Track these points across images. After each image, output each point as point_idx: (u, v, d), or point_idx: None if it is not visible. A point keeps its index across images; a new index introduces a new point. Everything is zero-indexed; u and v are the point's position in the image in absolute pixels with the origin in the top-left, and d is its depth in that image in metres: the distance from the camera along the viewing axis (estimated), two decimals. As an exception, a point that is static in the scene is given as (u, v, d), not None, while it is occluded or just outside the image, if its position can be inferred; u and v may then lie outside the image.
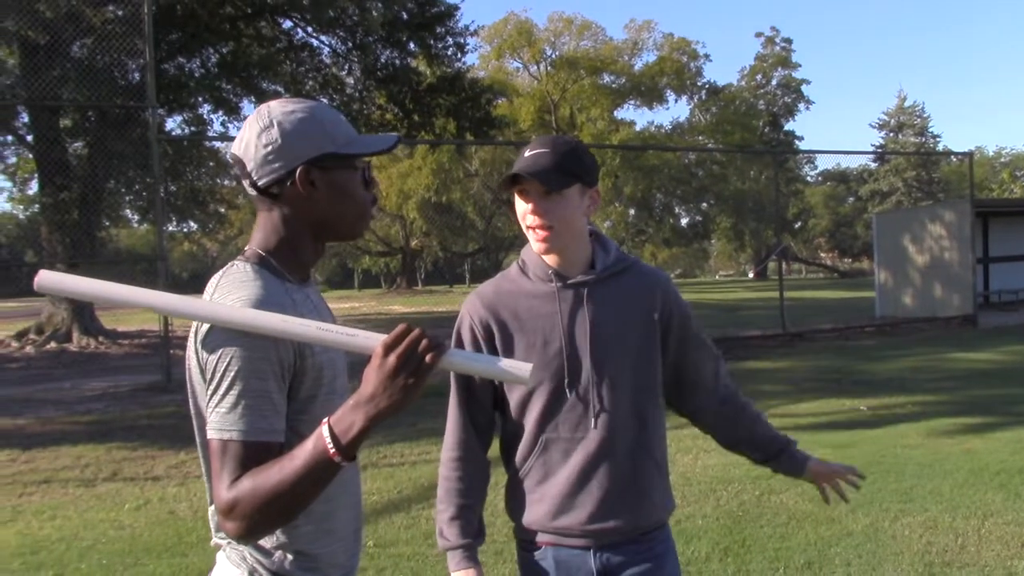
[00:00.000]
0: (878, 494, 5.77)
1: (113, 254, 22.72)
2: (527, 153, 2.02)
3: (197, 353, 1.50)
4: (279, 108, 1.59)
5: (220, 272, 1.57)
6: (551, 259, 2.07)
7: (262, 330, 1.42)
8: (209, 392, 1.46)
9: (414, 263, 63.81)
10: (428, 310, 32.74)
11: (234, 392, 1.43)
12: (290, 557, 1.57)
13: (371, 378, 1.35)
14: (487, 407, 2.15)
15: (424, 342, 1.35)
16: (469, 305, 2.13)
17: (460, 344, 2.12)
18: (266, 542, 1.56)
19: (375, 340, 1.39)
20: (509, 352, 2.06)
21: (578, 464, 2.03)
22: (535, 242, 2.03)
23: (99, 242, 19.47)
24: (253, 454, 1.42)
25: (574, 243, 2.05)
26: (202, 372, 1.49)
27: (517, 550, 2.20)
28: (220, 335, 1.44)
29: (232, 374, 1.43)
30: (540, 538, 2.10)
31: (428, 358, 1.35)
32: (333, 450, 1.35)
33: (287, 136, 1.55)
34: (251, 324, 1.42)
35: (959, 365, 12.32)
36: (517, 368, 1.43)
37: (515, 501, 2.15)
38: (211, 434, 1.45)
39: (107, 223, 21.66)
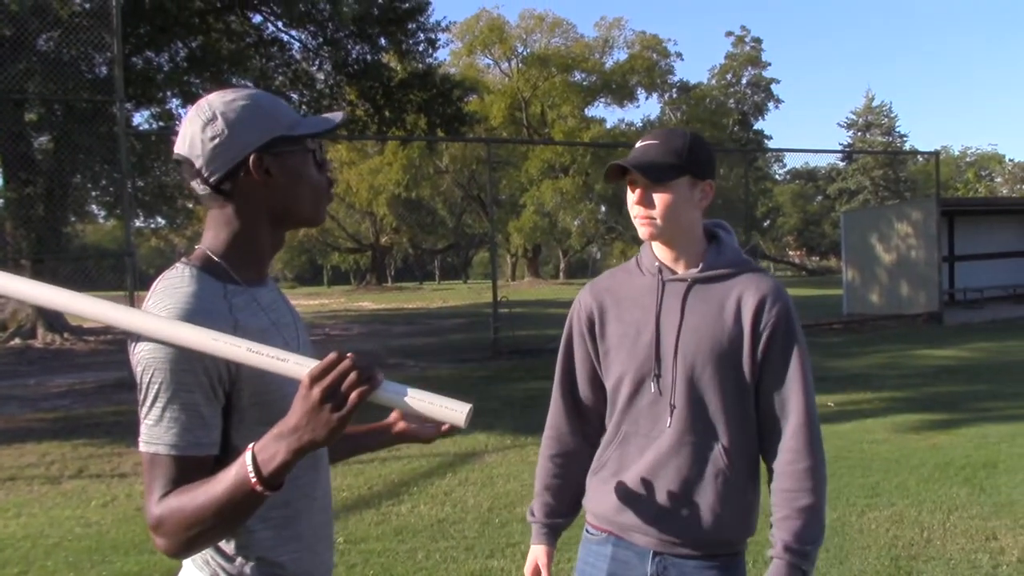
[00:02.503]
0: (845, 489, 5.83)
1: (79, 250, 22.42)
2: (639, 144, 2.03)
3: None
4: (219, 99, 1.53)
5: (161, 276, 1.52)
6: (660, 253, 2.07)
7: (192, 346, 1.37)
8: (139, 403, 1.42)
9: (384, 260, 63.65)
10: (398, 307, 32.69)
11: (159, 405, 1.39)
12: (252, 563, 1.53)
13: (296, 408, 1.29)
14: (591, 394, 2.16)
15: (352, 375, 1.27)
16: (582, 293, 2.18)
17: (570, 329, 2.18)
18: (228, 548, 1.52)
19: (305, 367, 1.32)
20: (604, 339, 2.09)
21: (649, 462, 2.01)
22: (640, 229, 2.03)
23: (65, 238, 19.22)
24: (180, 469, 1.39)
25: (682, 237, 2.04)
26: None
27: (583, 531, 2.20)
28: (146, 346, 1.40)
29: (156, 386, 1.39)
30: (605, 527, 2.10)
31: (355, 394, 1.27)
32: (254, 479, 1.30)
33: (233, 125, 1.50)
34: (180, 339, 1.37)
35: (925, 362, 12.48)
36: (453, 408, 1.32)
37: (590, 488, 2.16)
38: (140, 446, 1.41)
39: (73, 219, 21.38)
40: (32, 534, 5.32)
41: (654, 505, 2.01)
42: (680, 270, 2.05)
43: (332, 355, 1.29)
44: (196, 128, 1.51)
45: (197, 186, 1.54)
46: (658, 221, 1.99)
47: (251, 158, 1.51)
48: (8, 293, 1.52)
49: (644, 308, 2.04)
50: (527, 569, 2.19)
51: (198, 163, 1.51)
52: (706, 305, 2.00)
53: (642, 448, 2.03)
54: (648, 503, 2.01)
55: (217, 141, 1.50)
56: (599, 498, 2.11)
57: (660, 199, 1.97)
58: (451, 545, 4.93)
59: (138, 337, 1.42)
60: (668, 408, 1.99)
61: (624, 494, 2.05)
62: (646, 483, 2.01)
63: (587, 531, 2.17)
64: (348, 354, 1.30)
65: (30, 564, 4.79)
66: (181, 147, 1.53)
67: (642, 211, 1.99)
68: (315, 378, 1.28)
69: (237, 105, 1.52)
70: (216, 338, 1.37)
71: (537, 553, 2.18)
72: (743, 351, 1.98)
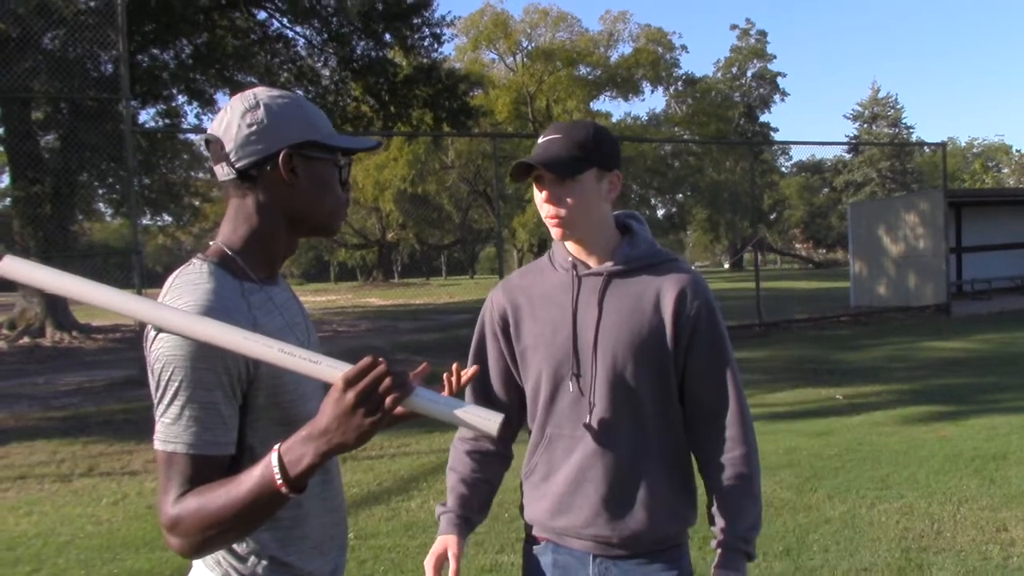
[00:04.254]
0: (855, 481, 5.82)
1: (86, 248, 22.49)
2: (541, 139, 1.96)
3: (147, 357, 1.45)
4: (265, 92, 1.55)
5: (177, 271, 1.51)
6: (573, 248, 2.00)
7: (222, 344, 1.36)
8: (155, 400, 1.41)
9: (390, 255, 63.69)
10: (405, 302, 32.73)
11: (178, 403, 1.38)
12: (264, 563, 1.52)
13: (327, 411, 1.28)
14: (506, 397, 2.09)
15: (386, 381, 1.27)
16: (493, 292, 2.12)
17: (483, 330, 2.10)
18: (240, 548, 1.52)
19: (338, 370, 1.31)
20: (519, 340, 2.03)
21: (576, 463, 1.95)
22: (551, 230, 1.96)
23: (72, 236, 19.28)
24: (198, 468, 1.38)
25: (593, 231, 1.97)
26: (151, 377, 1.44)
27: (524, 541, 2.14)
28: (166, 342, 1.38)
29: (176, 384, 1.38)
30: (542, 534, 2.05)
31: (388, 400, 1.27)
32: (280, 481, 1.30)
33: (273, 117, 1.51)
34: (211, 337, 1.36)
35: (933, 354, 12.44)
36: (485, 417, 1.32)
37: (524, 495, 2.10)
38: (156, 444, 1.40)
39: (80, 217, 21.45)
40: (43, 532, 5.34)
41: (586, 508, 1.95)
42: (594, 264, 1.98)
43: (367, 359, 1.29)
44: (236, 113, 1.52)
45: (221, 170, 1.54)
46: (569, 218, 1.92)
47: (282, 153, 1.51)
48: (45, 284, 1.50)
49: (560, 305, 1.98)
50: (430, 557, 1.97)
51: (228, 146, 1.51)
52: (624, 299, 1.95)
53: (568, 450, 1.97)
54: (580, 506, 1.95)
55: (254, 128, 1.50)
56: (532, 504, 2.06)
57: (568, 195, 1.91)
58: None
59: (156, 334, 1.40)
60: (588, 407, 1.93)
61: (555, 499, 1.99)
62: (575, 486, 1.96)
63: (527, 539, 2.12)
64: (381, 359, 1.29)
65: (42, 562, 4.81)
66: (216, 128, 1.53)
67: (551, 209, 1.92)
68: (350, 382, 1.27)
69: (281, 101, 1.54)
70: (247, 337, 1.36)
71: (448, 542, 1.99)
72: (665, 344, 1.94)
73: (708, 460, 1.98)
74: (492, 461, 2.13)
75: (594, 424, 1.93)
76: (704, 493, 2.00)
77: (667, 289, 1.94)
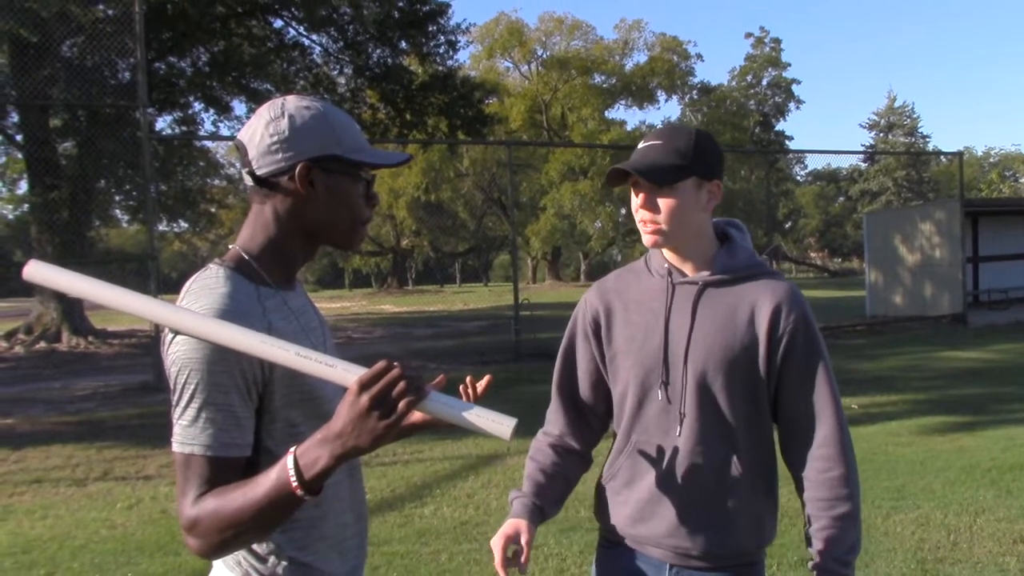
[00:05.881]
0: (870, 491, 5.79)
1: (103, 254, 22.59)
2: (641, 144, 1.93)
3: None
4: (294, 102, 1.56)
5: (195, 275, 1.53)
6: (669, 255, 1.97)
7: (240, 348, 1.37)
8: (172, 403, 1.43)
9: (405, 263, 63.78)
10: (419, 309, 32.75)
11: (195, 405, 1.40)
12: (283, 563, 1.54)
13: (342, 414, 1.29)
14: (593, 398, 2.07)
15: (401, 385, 1.28)
16: (588, 293, 2.08)
17: (574, 330, 2.08)
18: (260, 548, 1.53)
19: (353, 374, 1.33)
20: (610, 343, 2.00)
21: (662, 472, 1.92)
22: (644, 236, 1.92)
23: (89, 242, 19.40)
24: (215, 469, 1.40)
25: (690, 240, 1.93)
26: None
27: (597, 544, 2.12)
28: (183, 346, 1.40)
29: (192, 386, 1.40)
30: (620, 539, 2.03)
31: (403, 403, 1.28)
32: (295, 483, 1.31)
33: (295, 130, 1.52)
34: (229, 340, 1.37)
35: (949, 364, 12.38)
36: (499, 422, 1.32)
37: (601, 500, 2.07)
38: (174, 447, 1.43)
39: (97, 223, 21.56)
40: (58, 536, 5.36)
41: (668, 517, 1.92)
42: (690, 272, 1.95)
43: (382, 363, 1.30)
44: (262, 122, 1.54)
45: (245, 175, 1.56)
46: (663, 227, 1.89)
47: (299, 166, 1.52)
48: (67, 288, 1.52)
49: (653, 311, 1.95)
50: (499, 538, 1.88)
51: (251, 153, 1.53)
52: (718, 310, 1.91)
53: (653, 458, 1.95)
54: (662, 515, 1.93)
55: (276, 139, 1.52)
56: (613, 509, 2.03)
57: (664, 203, 1.87)
58: (474, 548, 4.93)
59: (173, 338, 1.42)
60: (678, 417, 1.91)
61: (637, 505, 1.97)
62: (659, 494, 1.93)
63: (602, 543, 2.11)
64: (396, 363, 1.30)
65: (56, 566, 4.83)
66: (244, 135, 1.56)
67: (647, 215, 1.89)
68: (364, 385, 1.28)
69: (308, 113, 1.54)
70: (263, 341, 1.38)
71: (520, 526, 1.90)
72: (758, 358, 1.89)
73: (805, 480, 1.94)
74: (573, 459, 2.10)
75: (683, 434, 1.91)
76: (787, 508, 1.96)
77: (762, 302, 1.90)
